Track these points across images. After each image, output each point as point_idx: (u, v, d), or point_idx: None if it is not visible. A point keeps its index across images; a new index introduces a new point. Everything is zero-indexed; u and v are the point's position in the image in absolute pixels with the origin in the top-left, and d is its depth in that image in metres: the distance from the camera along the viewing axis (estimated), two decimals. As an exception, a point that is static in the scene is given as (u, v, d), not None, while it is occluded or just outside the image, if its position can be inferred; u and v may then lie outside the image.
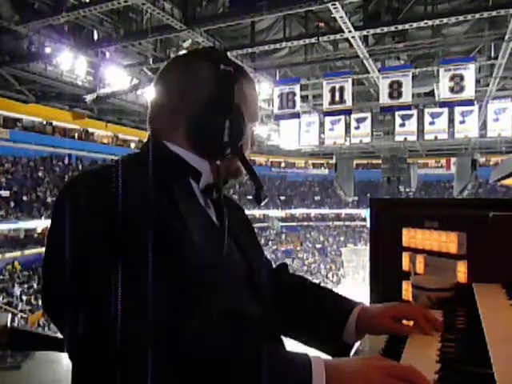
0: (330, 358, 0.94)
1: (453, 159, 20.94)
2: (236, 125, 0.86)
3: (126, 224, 0.67)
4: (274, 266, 1.14)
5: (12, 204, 19.10)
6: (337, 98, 11.07)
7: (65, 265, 0.66)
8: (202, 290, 0.74)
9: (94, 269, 0.65)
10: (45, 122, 22.07)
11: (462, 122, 11.89)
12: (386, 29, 8.95)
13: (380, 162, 16.93)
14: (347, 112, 11.72)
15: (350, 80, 11.11)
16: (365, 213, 29.69)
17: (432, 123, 12.36)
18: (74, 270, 0.66)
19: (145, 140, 0.91)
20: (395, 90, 10.46)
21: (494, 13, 8.05)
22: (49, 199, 20.74)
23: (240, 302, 0.84)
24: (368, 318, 0.93)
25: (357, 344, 0.97)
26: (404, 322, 0.92)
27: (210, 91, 0.85)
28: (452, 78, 9.91)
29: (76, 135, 24.32)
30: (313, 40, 9.72)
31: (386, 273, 1.44)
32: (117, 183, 0.70)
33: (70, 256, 0.66)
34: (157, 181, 0.76)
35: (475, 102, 10.78)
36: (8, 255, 18.10)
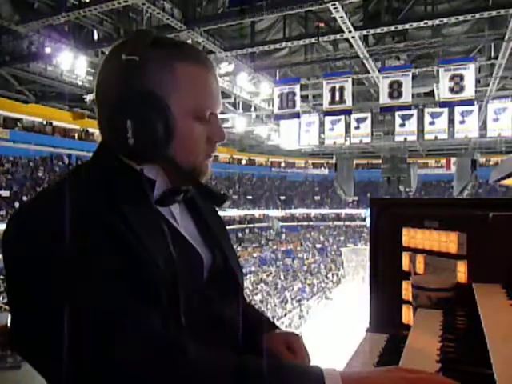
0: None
1: (453, 159, 20.95)
2: (152, 121, 0.73)
3: (71, 247, 0.63)
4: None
5: (12, 204, 19.11)
6: (337, 97, 11.07)
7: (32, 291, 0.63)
8: (168, 293, 0.70)
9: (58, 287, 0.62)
10: (45, 122, 22.07)
11: (462, 122, 11.89)
12: (386, 29, 8.95)
13: (380, 161, 16.93)
14: (347, 112, 11.72)
15: (349, 80, 11.11)
16: (365, 213, 29.70)
17: (432, 123, 12.36)
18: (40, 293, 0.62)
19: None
20: (395, 89, 10.46)
21: (494, 13, 8.04)
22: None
23: (214, 303, 0.80)
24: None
25: (357, 344, 0.97)
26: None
27: (117, 88, 0.74)
28: (452, 78, 9.91)
29: (76, 135, 24.31)
30: (313, 40, 9.72)
31: (385, 273, 1.44)
32: (62, 206, 0.65)
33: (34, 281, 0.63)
34: (104, 197, 0.70)
35: (475, 102, 10.78)
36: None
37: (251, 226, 31.30)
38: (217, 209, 1.01)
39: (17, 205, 19.17)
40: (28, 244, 0.65)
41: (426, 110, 12.49)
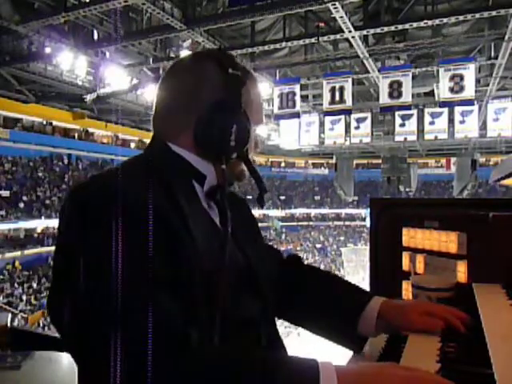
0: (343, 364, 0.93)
1: (453, 159, 20.94)
2: (242, 129, 0.86)
3: (127, 225, 0.67)
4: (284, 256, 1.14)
5: (12, 204, 19.10)
6: (337, 97, 11.07)
7: (71, 265, 0.68)
8: (202, 292, 0.73)
9: (96, 267, 0.66)
10: (45, 122, 22.07)
11: (462, 122, 11.88)
12: (386, 29, 8.95)
13: (380, 161, 16.93)
14: (347, 112, 11.72)
15: (349, 80, 11.11)
16: (365, 213, 29.70)
17: (432, 123, 12.35)
18: (79, 269, 0.66)
19: (148, 141, 0.92)
20: (395, 89, 10.46)
21: (494, 13, 8.04)
22: (48, 199, 20.75)
23: (239, 305, 0.83)
24: (395, 311, 0.91)
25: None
26: None
27: (217, 95, 0.85)
28: (452, 78, 9.91)
29: (76, 135, 24.32)
30: (313, 40, 9.72)
31: (385, 273, 1.44)
32: (120, 188, 0.70)
33: (76, 257, 0.67)
34: (160, 182, 0.76)
35: (475, 102, 10.77)
36: (8, 255, 18.11)
37: (251, 225, 31.25)
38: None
39: (17, 205, 19.19)
40: (82, 214, 0.70)
41: (426, 110, 12.49)
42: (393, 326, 0.91)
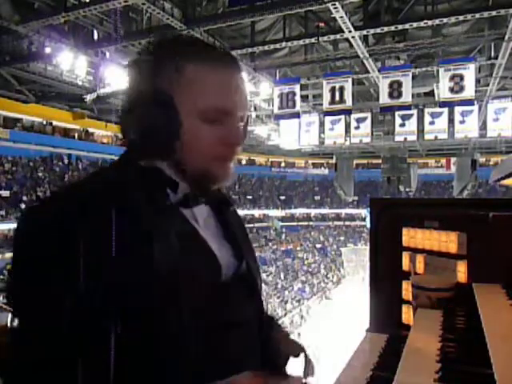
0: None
1: (453, 159, 20.93)
2: (162, 121, 0.73)
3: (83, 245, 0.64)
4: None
5: (12, 204, 19.10)
6: (337, 97, 11.06)
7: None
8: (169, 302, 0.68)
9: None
10: (45, 122, 22.07)
11: (462, 122, 11.88)
12: (386, 29, 8.94)
13: (380, 161, 16.93)
14: (347, 112, 11.72)
15: (349, 80, 11.11)
16: (365, 213, 29.70)
17: (432, 123, 12.35)
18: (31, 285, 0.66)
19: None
20: (395, 89, 10.45)
21: (494, 13, 8.04)
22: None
23: (234, 309, 0.79)
24: None
25: (357, 344, 0.97)
26: None
27: (133, 88, 0.77)
28: (452, 78, 9.91)
29: (76, 135, 24.31)
30: (313, 40, 9.72)
31: (386, 273, 1.44)
32: (81, 205, 0.67)
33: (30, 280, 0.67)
34: (124, 199, 0.70)
35: (475, 102, 10.77)
36: (8, 255, 18.11)
37: (251, 225, 31.29)
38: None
39: (17, 205, 19.18)
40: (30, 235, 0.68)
41: (426, 110, 12.48)
42: None
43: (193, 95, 0.75)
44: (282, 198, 33.97)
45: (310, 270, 28.58)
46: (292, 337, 0.97)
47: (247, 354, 0.79)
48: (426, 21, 8.50)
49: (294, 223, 34.06)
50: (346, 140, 13.52)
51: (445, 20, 8.48)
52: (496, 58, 10.29)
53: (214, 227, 0.83)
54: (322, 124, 13.70)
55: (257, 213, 31.86)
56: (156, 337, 0.66)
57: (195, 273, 0.72)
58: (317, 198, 34.90)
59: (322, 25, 9.66)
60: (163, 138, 0.73)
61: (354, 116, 13.16)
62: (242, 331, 0.79)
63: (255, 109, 16.10)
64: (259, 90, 14.74)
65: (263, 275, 25.59)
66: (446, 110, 11.95)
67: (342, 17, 8.12)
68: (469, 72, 9.86)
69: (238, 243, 0.85)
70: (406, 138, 12.93)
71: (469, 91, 9.88)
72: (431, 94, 12.93)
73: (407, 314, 1.34)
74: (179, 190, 0.77)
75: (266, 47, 10.33)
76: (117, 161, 0.80)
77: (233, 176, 0.81)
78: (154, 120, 0.73)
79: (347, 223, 34.37)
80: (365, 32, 9.20)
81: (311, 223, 34.76)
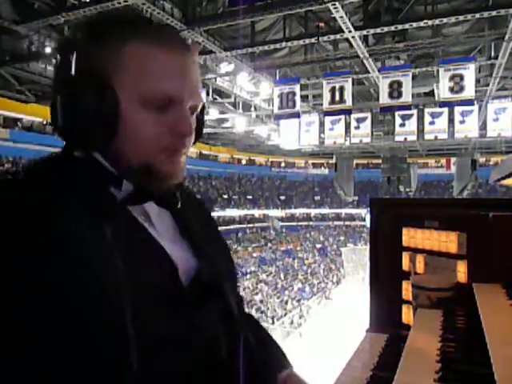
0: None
1: (453, 159, 20.93)
2: (91, 105, 0.62)
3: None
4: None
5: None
6: (337, 97, 11.06)
7: None
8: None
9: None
10: (45, 122, 22.08)
11: (462, 122, 11.88)
12: (386, 29, 8.94)
13: (380, 161, 16.93)
14: (347, 112, 11.71)
15: (349, 80, 11.11)
16: (365, 213, 29.69)
17: (432, 123, 12.36)
18: None
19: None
20: (395, 89, 10.45)
21: (494, 13, 8.03)
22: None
23: (191, 313, 0.67)
24: None
25: (357, 344, 0.97)
26: None
27: (64, 69, 0.65)
28: (452, 78, 9.91)
29: (76, 135, 24.35)
30: (313, 40, 9.71)
31: (386, 273, 1.44)
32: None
33: None
34: (40, 198, 0.58)
35: (475, 102, 10.77)
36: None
37: (251, 225, 31.29)
38: (210, 211, 0.92)
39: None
40: None
41: (426, 110, 12.49)
42: None
43: (134, 77, 0.64)
44: (282, 197, 33.97)
45: (310, 270, 28.58)
46: (300, 378, 0.87)
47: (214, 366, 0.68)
48: (425, 21, 8.50)
49: (294, 223, 34.07)
50: (346, 140, 13.52)
51: (445, 20, 8.47)
52: (496, 57, 10.28)
53: (168, 225, 0.74)
54: (322, 124, 13.71)
55: (257, 213, 31.86)
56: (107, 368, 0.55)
57: (147, 281, 0.62)
58: (317, 198, 34.90)
59: (321, 25, 9.66)
60: (98, 126, 0.63)
61: (354, 116, 13.16)
62: (204, 340, 0.68)
63: (255, 109, 16.11)
64: (259, 90, 14.76)
65: (263, 275, 25.61)
66: (446, 110, 11.96)
67: (341, 17, 8.12)
68: (469, 72, 9.86)
69: (200, 242, 0.75)
70: (406, 138, 12.93)
71: (469, 91, 9.88)
72: (431, 93, 12.93)
73: (407, 314, 1.34)
74: (123, 187, 0.67)
75: (266, 47, 10.33)
76: (51, 154, 0.68)
77: (183, 173, 0.70)
78: (87, 105, 0.62)
79: (347, 223, 34.38)
80: (365, 32, 9.20)
81: (311, 223, 34.77)
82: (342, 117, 12.89)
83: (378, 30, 9.08)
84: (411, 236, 1.37)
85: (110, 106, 0.63)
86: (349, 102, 11.08)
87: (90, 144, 0.65)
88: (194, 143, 0.74)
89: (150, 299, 0.61)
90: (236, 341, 0.72)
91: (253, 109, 16.02)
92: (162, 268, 0.66)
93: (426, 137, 12.62)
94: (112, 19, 0.68)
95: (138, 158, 0.66)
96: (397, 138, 13.09)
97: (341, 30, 8.89)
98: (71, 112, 0.63)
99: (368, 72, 11.57)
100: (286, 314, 21.21)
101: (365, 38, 9.90)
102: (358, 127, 13.33)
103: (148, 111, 0.65)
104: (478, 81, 11.29)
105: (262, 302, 21.83)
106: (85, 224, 0.59)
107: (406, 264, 1.37)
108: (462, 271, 1.21)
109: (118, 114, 0.63)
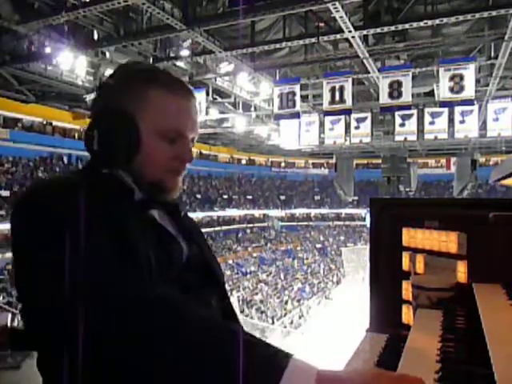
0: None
1: (453, 159, 20.95)
2: (124, 136, 0.85)
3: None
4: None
5: (12, 204, 19.09)
6: (337, 97, 11.06)
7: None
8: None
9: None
10: (45, 122, 22.07)
11: (462, 122, 11.88)
12: (386, 29, 8.94)
13: (380, 161, 16.94)
14: (347, 112, 11.71)
15: (350, 80, 11.10)
16: (365, 213, 29.69)
17: (432, 123, 12.36)
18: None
19: None
20: (395, 89, 10.45)
21: (494, 13, 8.03)
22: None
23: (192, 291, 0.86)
24: None
25: (357, 344, 0.97)
26: None
27: (95, 106, 0.90)
28: (452, 78, 9.91)
29: (76, 135, 24.31)
30: (313, 40, 9.71)
31: (386, 273, 1.44)
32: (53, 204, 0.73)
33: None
34: (99, 203, 0.76)
35: (475, 102, 10.77)
36: (8, 255, 18.10)
37: (251, 225, 31.29)
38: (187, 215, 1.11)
39: (17, 205, 19.17)
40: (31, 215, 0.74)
41: (426, 110, 12.49)
42: None
43: (153, 116, 0.87)
44: (282, 197, 33.97)
45: (310, 269, 28.57)
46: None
47: None
48: (425, 21, 8.50)
49: (294, 223, 34.07)
50: (345, 140, 13.53)
51: (445, 20, 8.47)
52: (496, 57, 10.28)
53: (167, 224, 0.92)
54: (322, 124, 13.71)
55: (257, 213, 31.86)
56: None
57: (171, 256, 0.84)
58: (317, 198, 34.91)
59: (322, 25, 9.66)
60: (124, 151, 0.84)
61: (354, 116, 13.17)
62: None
63: (255, 109, 16.11)
64: (259, 90, 14.76)
65: (263, 275, 25.61)
66: (446, 110, 11.96)
67: (341, 17, 8.12)
68: (469, 72, 9.86)
69: (192, 236, 0.96)
70: (406, 138, 12.94)
71: (469, 91, 9.88)
72: (431, 93, 12.93)
73: (407, 314, 1.34)
74: (135, 197, 0.87)
75: (266, 47, 10.33)
76: (80, 169, 0.91)
77: (179, 189, 0.94)
78: (118, 135, 0.84)
79: (347, 223, 34.39)
80: (365, 32, 9.20)
81: (311, 223, 34.78)
82: (342, 117, 12.89)
83: (378, 30, 9.08)
84: (411, 236, 1.37)
85: (134, 137, 0.85)
86: (349, 102, 11.08)
87: (116, 163, 0.86)
88: None
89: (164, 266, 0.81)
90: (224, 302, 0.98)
91: (253, 109, 16.02)
92: (172, 246, 0.87)
93: (426, 137, 12.63)
94: (136, 70, 0.91)
95: (153, 175, 0.88)
96: (397, 138, 13.09)
97: (341, 30, 8.88)
98: (106, 140, 0.84)
99: (368, 72, 11.58)
100: (285, 314, 21.21)
101: (365, 38, 9.90)
102: (357, 127, 13.33)
103: (161, 141, 0.88)
104: (478, 81, 11.30)
105: (262, 301, 21.84)
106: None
107: (406, 264, 1.37)
108: (461, 271, 1.21)
109: (140, 143, 0.86)
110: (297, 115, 11.94)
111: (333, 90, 11.08)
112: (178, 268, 0.86)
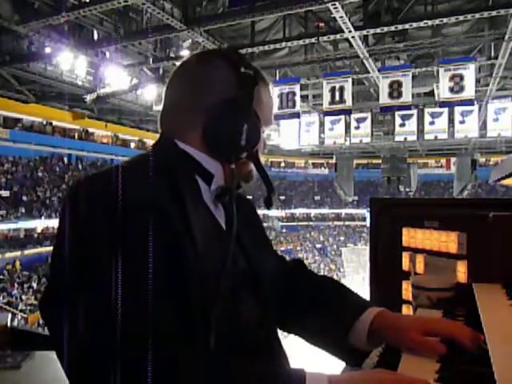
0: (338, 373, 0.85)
1: (453, 159, 20.95)
2: (253, 128, 0.84)
3: (127, 223, 0.66)
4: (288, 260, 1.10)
5: (12, 204, 19.09)
6: (337, 97, 11.06)
7: (69, 262, 0.66)
8: (200, 296, 0.71)
9: (95, 266, 0.64)
10: (45, 122, 22.07)
11: (462, 122, 11.88)
12: (386, 29, 8.95)
13: (380, 161, 16.93)
14: (347, 112, 11.71)
15: (349, 80, 11.11)
16: (365, 213, 29.70)
17: (432, 123, 12.35)
18: (77, 267, 0.65)
19: (147, 141, 0.92)
20: (395, 89, 10.45)
21: (494, 13, 8.04)
22: (48, 199, 20.74)
23: (237, 309, 0.81)
24: (391, 326, 0.82)
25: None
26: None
27: (229, 93, 0.83)
28: (452, 78, 9.91)
29: (76, 135, 24.31)
30: (313, 40, 9.72)
31: (386, 273, 1.44)
32: (122, 184, 0.68)
33: (74, 254, 0.66)
34: (164, 180, 0.74)
35: (475, 102, 10.77)
36: (8, 255, 18.11)
37: (251, 225, 31.23)
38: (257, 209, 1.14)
39: (17, 205, 19.18)
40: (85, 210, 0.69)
41: (426, 110, 12.48)
42: (390, 342, 0.83)
43: (264, 109, 0.89)
44: (282, 198, 33.97)
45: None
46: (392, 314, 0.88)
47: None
48: (425, 21, 8.51)
49: (294, 223, 34.07)
50: (345, 140, 13.52)
51: (445, 20, 8.47)
52: (496, 57, 10.29)
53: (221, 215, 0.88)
54: (322, 124, 13.70)
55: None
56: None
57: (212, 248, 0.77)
58: (317, 198, 34.90)
59: (322, 25, 9.67)
60: (251, 142, 0.85)
61: (354, 116, 13.16)
62: (247, 333, 0.82)
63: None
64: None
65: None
66: (446, 110, 11.95)
67: (341, 17, 8.12)
68: (469, 72, 9.86)
69: (246, 241, 0.90)
70: (406, 138, 12.94)
71: (469, 91, 9.88)
72: (431, 94, 12.93)
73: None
74: (212, 184, 0.85)
75: (266, 47, 10.33)
76: (159, 148, 0.85)
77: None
78: (245, 126, 0.83)
79: (347, 223, 34.38)
80: (365, 32, 9.20)
81: (311, 223, 34.77)
82: (342, 117, 12.88)
83: (378, 30, 9.08)
84: (411, 236, 1.37)
85: (257, 126, 0.86)
86: (349, 102, 11.08)
87: (230, 155, 0.85)
88: None
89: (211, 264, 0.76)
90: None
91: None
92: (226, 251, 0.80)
93: (426, 137, 12.62)
94: (251, 67, 0.90)
95: (244, 165, 0.89)
96: (397, 138, 13.09)
97: (341, 30, 8.89)
98: (226, 131, 0.83)
99: (368, 72, 11.58)
100: (285, 314, 21.19)
101: (365, 38, 9.91)
102: (357, 127, 13.32)
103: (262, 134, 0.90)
104: (478, 81, 11.29)
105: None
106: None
107: (405, 264, 1.37)
108: (462, 271, 1.21)
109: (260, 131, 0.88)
110: (297, 115, 11.94)
111: (333, 90, 11.08)
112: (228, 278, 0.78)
